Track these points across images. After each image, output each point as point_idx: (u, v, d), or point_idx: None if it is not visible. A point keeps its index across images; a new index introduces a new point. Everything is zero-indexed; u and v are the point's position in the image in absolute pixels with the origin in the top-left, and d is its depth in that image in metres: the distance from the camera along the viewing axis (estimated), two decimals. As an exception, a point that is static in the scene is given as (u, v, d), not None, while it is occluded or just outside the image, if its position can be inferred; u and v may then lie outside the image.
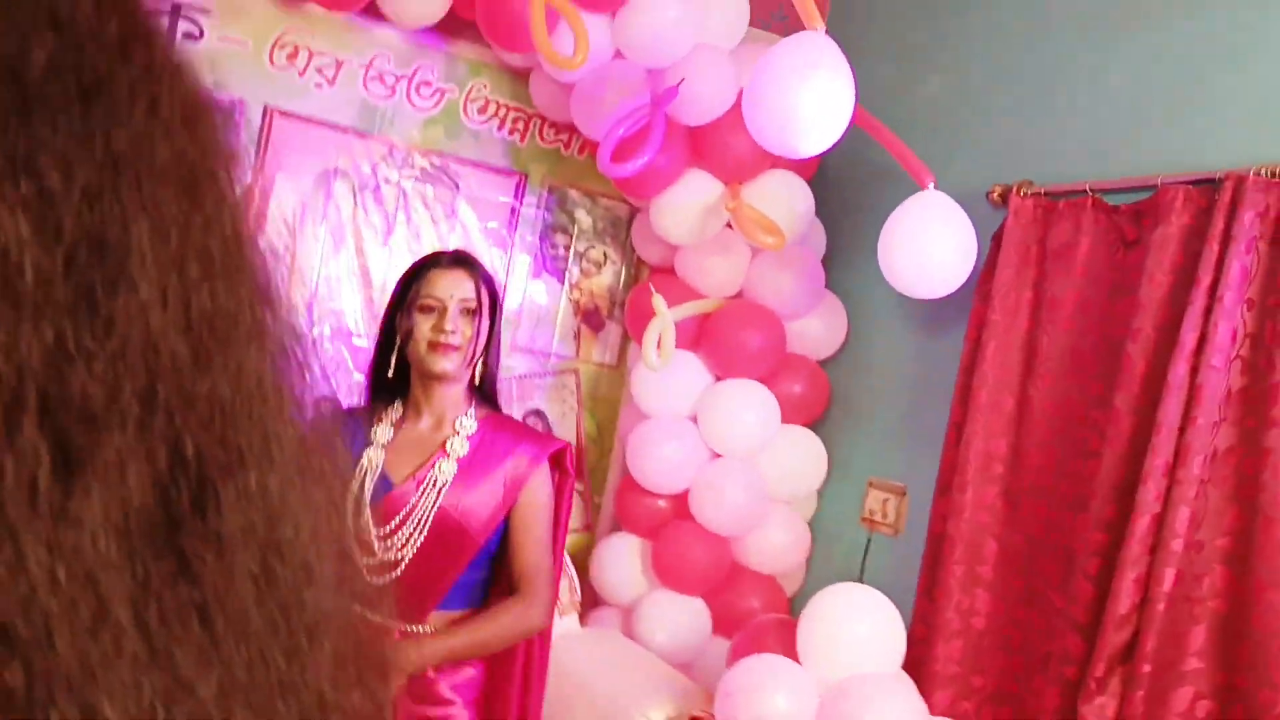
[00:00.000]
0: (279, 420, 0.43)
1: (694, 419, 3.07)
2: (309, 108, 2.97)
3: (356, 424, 2.00)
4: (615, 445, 3.37)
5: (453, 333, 1.92)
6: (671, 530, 3.05)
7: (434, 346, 1.92)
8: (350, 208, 3.04)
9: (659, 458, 3.03)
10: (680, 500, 3.06)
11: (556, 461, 2.05)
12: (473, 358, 1.96)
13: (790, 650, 2.42)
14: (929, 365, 2.92)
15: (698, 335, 3.07)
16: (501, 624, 1.92)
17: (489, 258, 3.19)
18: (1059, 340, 2.54)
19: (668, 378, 3.02)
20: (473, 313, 1.94)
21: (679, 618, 3.01)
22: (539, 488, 1.98)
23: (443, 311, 1.93)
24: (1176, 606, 2.15)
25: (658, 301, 2.89)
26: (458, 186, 3.16)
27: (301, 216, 2.98)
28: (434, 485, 1.94)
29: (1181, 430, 2.16)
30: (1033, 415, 2.56)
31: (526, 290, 3.28)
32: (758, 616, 2.73)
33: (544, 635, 2.07)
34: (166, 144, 0.40)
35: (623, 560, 3.13)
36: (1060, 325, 2.54)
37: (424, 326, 1.93)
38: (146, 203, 0.39)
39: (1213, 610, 2.14)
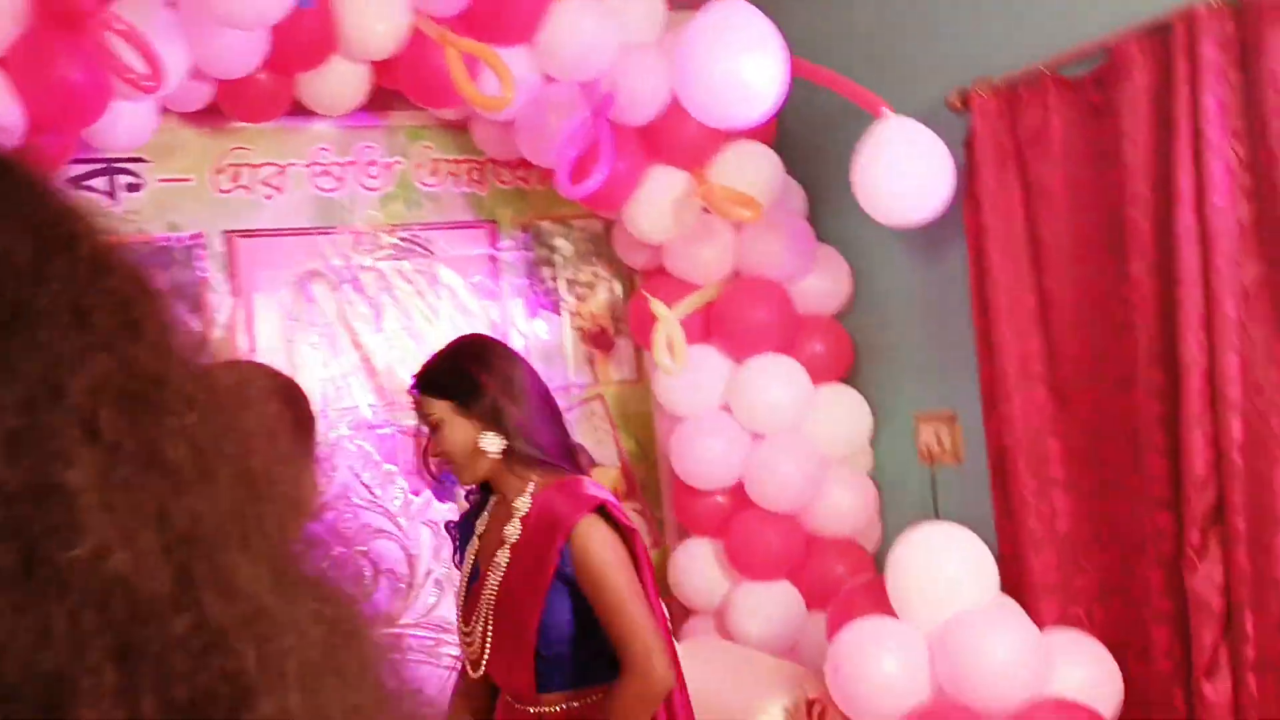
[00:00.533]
0: (291, 627, 0.39)
1: (727, 408, 3.03)
2: (266, 220, 2.96)
3: (468, 524, 2.07)
4: (659, 457, 3.34)
5: (436, 454, 1.97)
6: (738, 523, 3.01)
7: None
8: (335, 306, 3.03)
9: (704, 456, 3.00)
10: (738, 491, 3.02)
11: (611, 520, 1.90)
12: (439, 458, 1.96)
13: (885, 607, 2.38)
14: (942, 286, 2.86)
15: (707, 326, 3.03)
16: (620, 709, 1.83)
17: (480, 312, 3.17)
18: (1060, 226, 2.49)
19: (690, 376, 2.99)
20: (435, 425, 1.93)
21: (769, 606, 2.97)
22: (591, 550, 1.84)
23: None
24: (1253, 452, 2.10)
25: (656, 306, 2.87)
26: (432, 253, 3.15)
27: (291, 328, 2.98)
28: (496, 574, 1.93)
29: (1205, 278, 2.10)
30: (1056, 306, 2.51)
31: (529, 332, 3.26)
32: (845, 583, 2.68)
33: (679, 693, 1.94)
34: (105, 356, 0.36)
35: (699, 565, 3.10)
36: (1057, 211, 2.49)
37: None
38: (89, 429, 0.35)
39: (1291, 446, 2.08)
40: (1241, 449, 2.08)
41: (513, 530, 1.92)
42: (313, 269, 3.01)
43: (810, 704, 2.50)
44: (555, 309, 3.30)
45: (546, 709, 1.92)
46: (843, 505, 3.01)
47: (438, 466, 1.99)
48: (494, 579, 1.92)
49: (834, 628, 2.44)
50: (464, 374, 1.95)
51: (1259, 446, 2.09)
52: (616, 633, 1.83)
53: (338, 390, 2.99)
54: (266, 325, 2.95)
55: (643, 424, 3.37)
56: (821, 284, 3.07)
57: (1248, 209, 2.09)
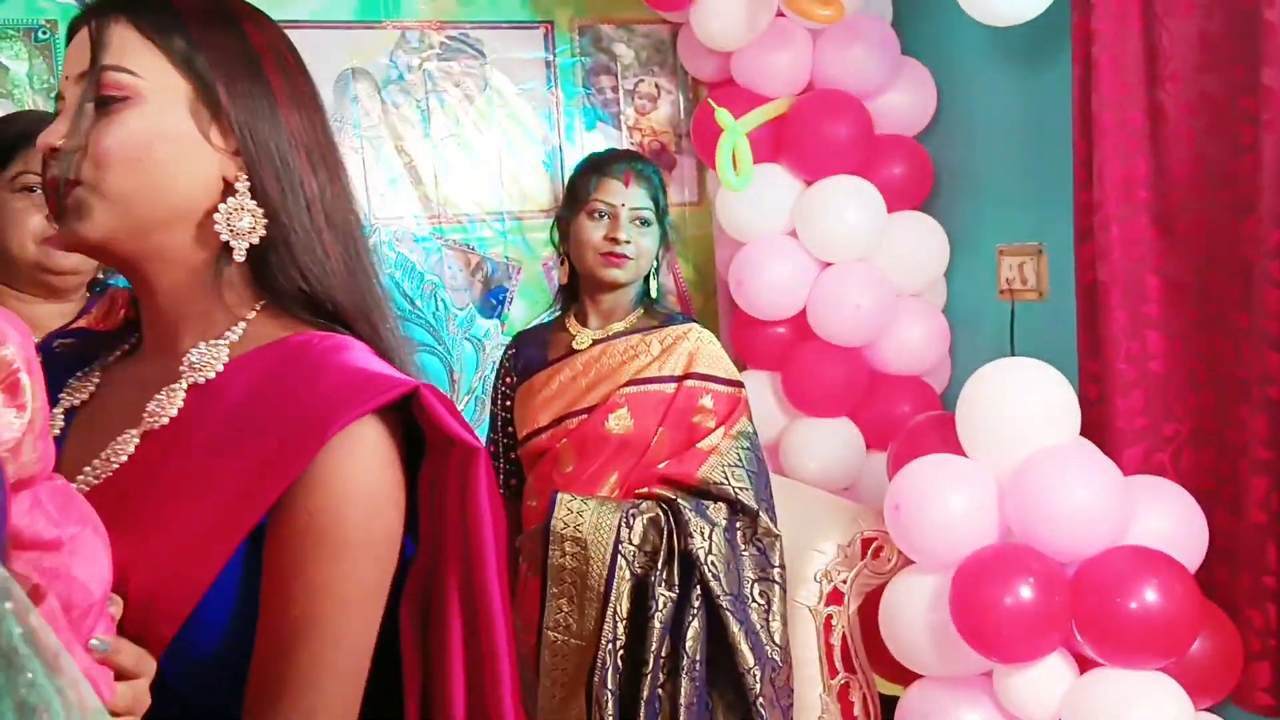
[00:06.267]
0: None
1: (794, 234, 2.82)
2: (302, 13, 2.75)
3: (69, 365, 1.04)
4: (719, 285, 3.16)
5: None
6: (798, 356, 2.84)
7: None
8: (379, 107, 2.84)
9: (766, 283, 2.81)
10: (799, 322, 2.84)
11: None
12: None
13: (954, 446, 2.21)
14: (1037, 108, 2.60)
15: (776, 142, 2.80)
16: None
17: (533, 120, 2.96)
18: (1182, 32, 2.19)
19: (755, 196, 2.77)
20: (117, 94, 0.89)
21: (827, 443, 2.81)
22: (344, 484, 0.85)
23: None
24: (1387, 288, 1.86)
25: (722, 115, 2.63)
26: (483, 54, 2.93)
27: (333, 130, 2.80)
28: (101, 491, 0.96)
29: (1354, 85, 1.83)
30: (1169, 124, 2.24)
31: (584, 145, 3.05)
32: (911, 420, 2.50)
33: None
34: None
35: (755, 398, 2.92)
36: (1179, 15, 2.19)
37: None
38: None
39: None
40: (1375, 282, 1.84)
41: (167, 405, 0.90)
42: (355, 67, 2.82)
43: (867, 542, 2.36)
44: (614, 122, 3.08)
45: None
46: (911, 341, 2.82)
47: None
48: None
49: (897, 464, 2.28)
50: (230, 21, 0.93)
51: (1395, 281, 1.85)
52: (271, 678, 0.84)
53: (381, 198, 2.83)
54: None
55: (703, 249, 3.18)
56: (903, 100, 2.81)
57: None
